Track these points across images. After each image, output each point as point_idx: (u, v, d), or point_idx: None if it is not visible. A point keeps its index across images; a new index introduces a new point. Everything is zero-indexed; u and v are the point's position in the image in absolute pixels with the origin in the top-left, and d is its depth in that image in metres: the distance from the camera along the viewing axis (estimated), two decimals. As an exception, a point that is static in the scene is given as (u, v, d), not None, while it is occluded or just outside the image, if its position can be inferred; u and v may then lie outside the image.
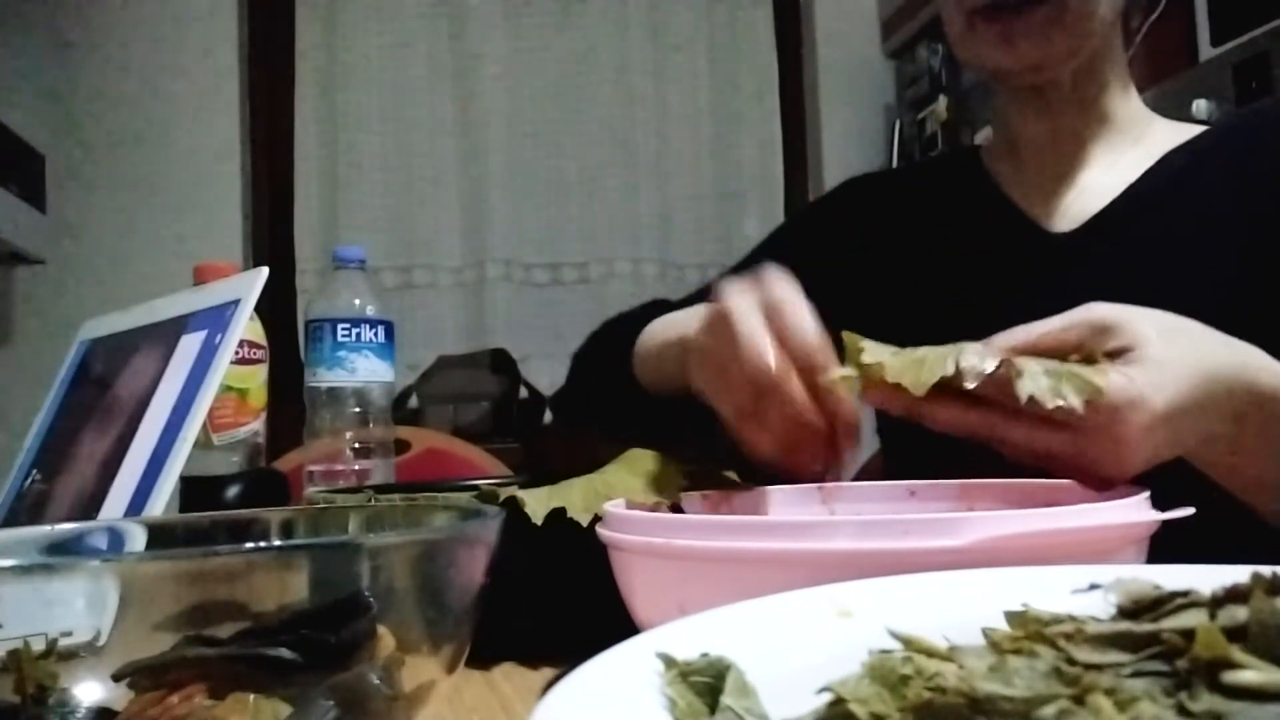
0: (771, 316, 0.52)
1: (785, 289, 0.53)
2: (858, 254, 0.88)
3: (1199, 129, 0.78)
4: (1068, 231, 0.76)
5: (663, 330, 0.78)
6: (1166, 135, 0.78)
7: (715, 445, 0.62)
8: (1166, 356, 0.46)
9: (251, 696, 0.27)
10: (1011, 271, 0.77)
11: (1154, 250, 0.72)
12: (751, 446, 0.54)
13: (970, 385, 0.43)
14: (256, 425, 0.82)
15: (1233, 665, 0.20)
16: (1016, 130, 0.82)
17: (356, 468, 0.91)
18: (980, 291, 0.78)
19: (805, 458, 0.53)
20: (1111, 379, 0.43)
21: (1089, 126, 0.78)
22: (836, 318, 0.90)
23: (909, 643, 0.23)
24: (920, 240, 0.85)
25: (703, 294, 0.98)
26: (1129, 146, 0.78)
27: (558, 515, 0.48)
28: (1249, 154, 0.72)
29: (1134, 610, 0.23)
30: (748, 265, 0.94)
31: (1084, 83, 0.77)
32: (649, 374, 0.77)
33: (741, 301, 0.53)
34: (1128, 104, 0.79)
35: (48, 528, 0.41)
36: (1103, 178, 0.77)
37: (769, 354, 0.50)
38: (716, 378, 0.55)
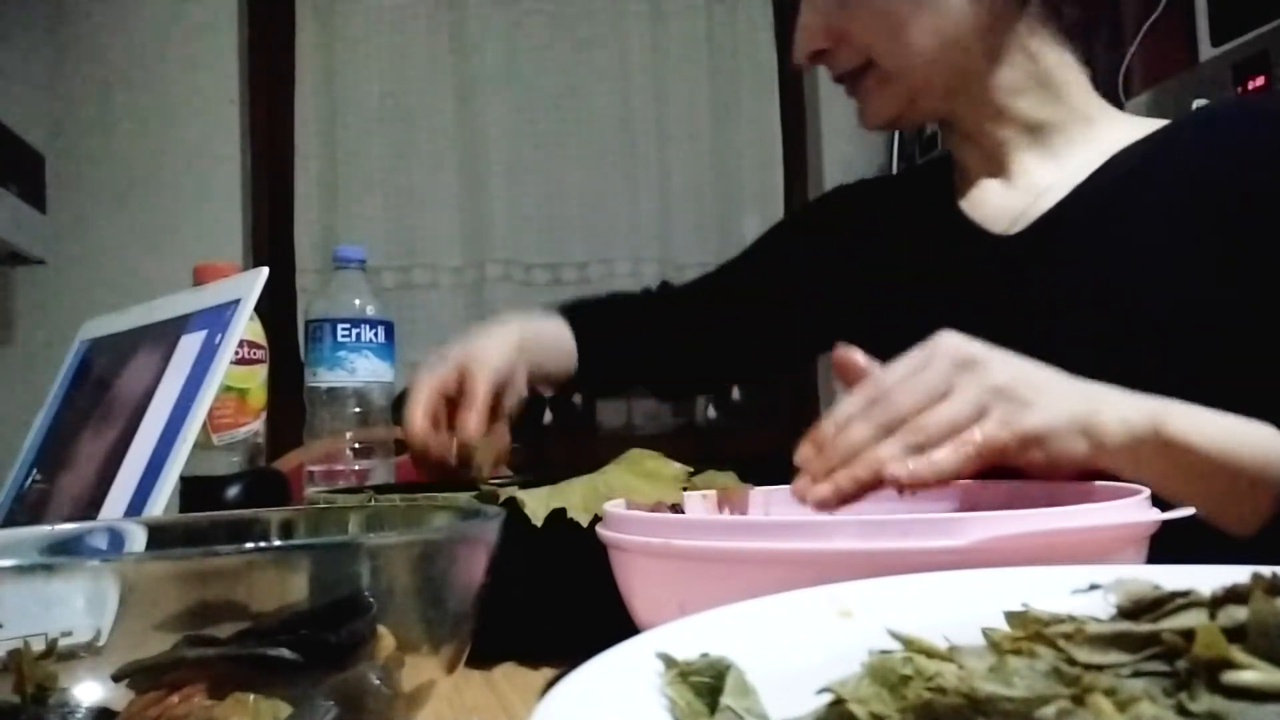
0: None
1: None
2: (832, 263, 0.91)
3: (1153, 125, 0.76)
4: (1014, 234, 0.76)
5: None
6: (1120, 132, 0.76)
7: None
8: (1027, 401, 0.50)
9: (251, 696, 0.27)
10: (959, 277, 0.78)
11: (1102, 250, 0.71)
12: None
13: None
14: (256, 425, 0.82)
15: (1233, 665, 0.20)
16: (954, 151, 0.84)
17: (356, 468, 0.91)
18: (931, 299, 0.79)
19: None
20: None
21: (1015, 137, 0.78)
22: (821, 323, 0.95)
23: (909, 643, 0.23)
24: (879, 251, 0.87)
25: (699, 283, 1.01)
26: (1071, 148, 0.77)
27: (558, 515, 0.48)
28: (1203, 155, 0.71)
29: (1134, 610, 0.23)
30: (737, 267, 1.02)
31: (986, 100, 0.76)
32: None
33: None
34: (1059, 104, 0.77)
35: (48, 528, 0.41)
36: (1048, 179, 0.76)
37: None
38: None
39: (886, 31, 0.73)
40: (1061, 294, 0.71)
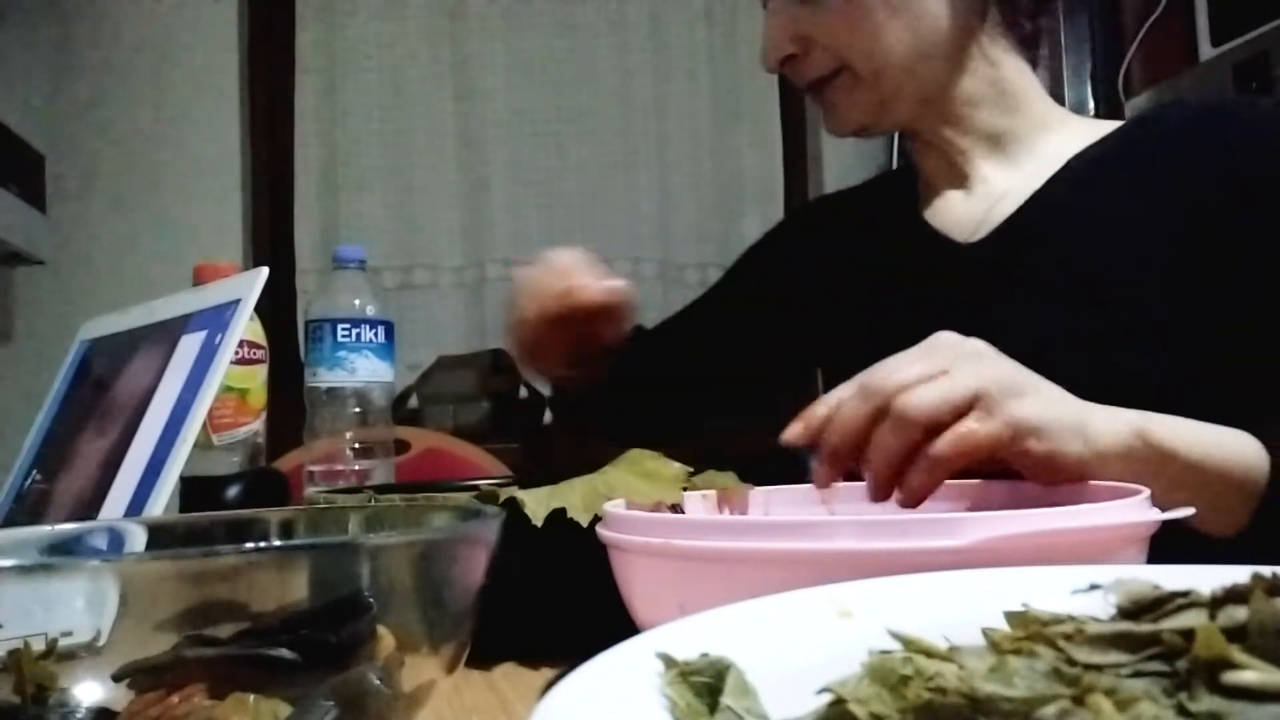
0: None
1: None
2: (808, 279, 0.92)
3: (1108, 127, 0.77)
4: (976, 241, 0.77)
5: None
6: (1075, 136, 0.77)
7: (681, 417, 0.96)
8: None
9: (251, 696, 0.27)
10: (926, 285, 0.79)
11: (1066, 253, 0.72)
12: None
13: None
14: (256, 425, 0.82)
15: (1233, 665, 0.20)
16: (915, 160, 0.84)
17: (356, 468, 0.91)
18: (901, 308, 0.80)
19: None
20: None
21: (975, 146, 0.78)
22: (804, 340, 0.95)
23: (909, 643, 0.23)
24: (851, 263, 0.87)
25: (701, 303, 1.01)
26: (1028, 155, 0.77)
27: (558, 515, 0.48)
28: (1156, 158, 0.71)
29: (1134, 610, 0.23)
30: (714, 297, 1.03)
31: (949, 111, 0.77)
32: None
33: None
34: (1017, 114, 0.78)
35: (48, 528, 0.41)
36: (1005, 186, 0.77)
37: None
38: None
39: (864, 35, 0.73)
40: (1029, 298, 0.72)
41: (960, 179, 0.80)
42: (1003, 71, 0.77)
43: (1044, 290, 0.71)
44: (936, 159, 0.80)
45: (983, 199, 0.78)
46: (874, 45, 0.73)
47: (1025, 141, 0.78)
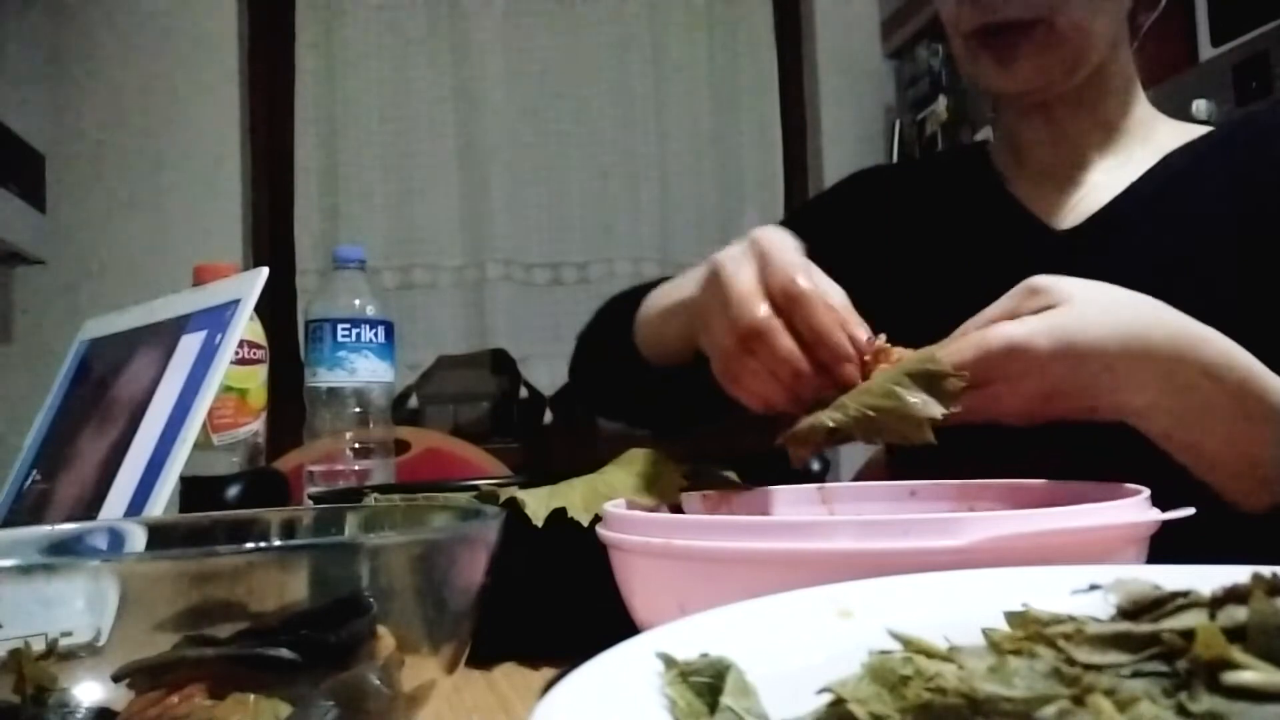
0: (762, 266, 0.53)
1: (777, 243, 0.54)
2: (863, 247, 0.89)
3: (1203, 130, 0.78)
4: (1069, 228, 0.77)
5: (663, 298, 0.76)
6: (1171, 136, 0.78)
7: (712, 414, 0.66)
8: (1076, 314, 0.50)
9: (251, 696, 0.27)
10: (1013, 266, 0.77)
11: (1154, 248, 0.72)
12: (736, 394, 0.55)
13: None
14: (256, 425, 0.82)
15: (1233, 665, 0.20)
16: (1019, 135, 0.83)
17: (356, 468, 0.91)
18: (982, 285, 0.78)
19: (793, 402, 0.53)
20: (1001, 327, 0.50)
21: (1093, 132, 0.78)
22: (861, 308, 0.91)
23: (909, 643, 0.23)
24: (925, 234, 0.86)
25: None
26: (1135, 148, 0.78)
27: (558, 515, 0.48)
28: (1250, 158, 0.72)
29: (1134, 610, 0.23)
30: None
31: (1088, 92, 0.77)
32: (650, 344, 0.76)
33: (734, 254, 0.55)
34: (1134, 107, 0.79)
35: (48, 528, 0.41)
36: (1105, 177, 0.77)
37: (756, 303, 0.52)
38: (706, 327, 0.56)
39: None
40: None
41: (1068, 165, 0.79)
42: (1130, 66, 0.78)
43: (1129, 285, 0.72)
44: (1056, 140, 0.79)
45: (1078, 185, 0.78)
46: (1091, 8, 0.72)
47: (1133, 135, 0.79)
